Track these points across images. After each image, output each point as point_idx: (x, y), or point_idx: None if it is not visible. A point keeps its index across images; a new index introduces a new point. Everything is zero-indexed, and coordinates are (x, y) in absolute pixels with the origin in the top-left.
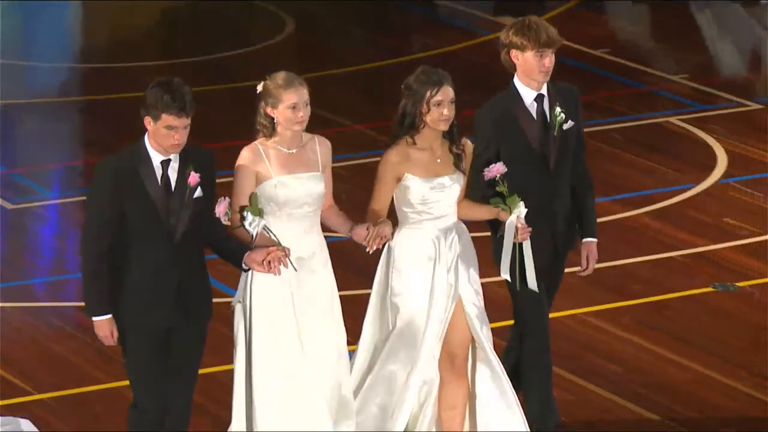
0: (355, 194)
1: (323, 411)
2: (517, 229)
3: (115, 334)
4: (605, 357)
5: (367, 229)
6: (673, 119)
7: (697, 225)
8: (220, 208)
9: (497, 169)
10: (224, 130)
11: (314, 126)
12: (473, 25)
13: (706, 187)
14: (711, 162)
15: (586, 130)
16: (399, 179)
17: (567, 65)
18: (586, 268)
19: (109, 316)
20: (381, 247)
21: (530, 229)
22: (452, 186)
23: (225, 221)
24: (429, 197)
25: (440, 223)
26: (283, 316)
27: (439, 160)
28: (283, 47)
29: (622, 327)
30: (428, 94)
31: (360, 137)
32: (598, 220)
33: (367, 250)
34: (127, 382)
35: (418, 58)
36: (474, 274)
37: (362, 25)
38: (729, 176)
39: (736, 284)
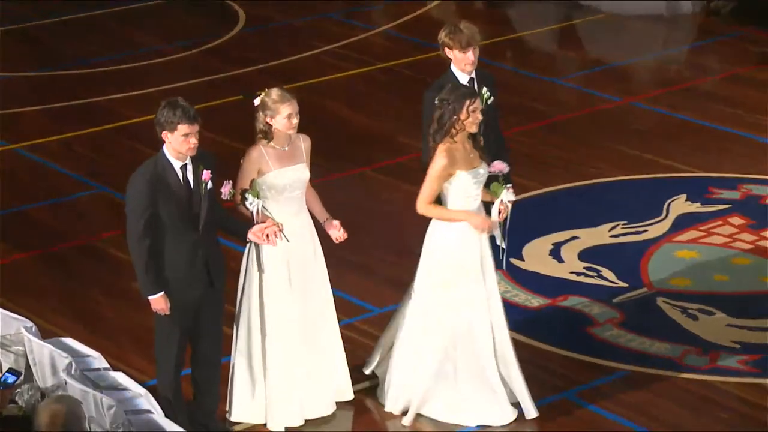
0: None
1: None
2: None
3: (168, 306)
4: None
5: (338, 229)
6: None
7: (239, 56)
8: (225, 189)
9: (500, 167)
10: None
11: None
12: None
13: (230, 37)
14: (235, 18)
15: None
16: (450, 176)
17: None
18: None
19: (162, 293)
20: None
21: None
22: (485, 174)
23: (228, 198)
24: (473, 187)
25: (478, 210)
26: (283, 273)
27: (471, 155)
28: None
29: None
30: (467, 103)
31: None
32: None
33: (336, 241)
34: None
35: None
36: None
37: None
38: (249, 27)
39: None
